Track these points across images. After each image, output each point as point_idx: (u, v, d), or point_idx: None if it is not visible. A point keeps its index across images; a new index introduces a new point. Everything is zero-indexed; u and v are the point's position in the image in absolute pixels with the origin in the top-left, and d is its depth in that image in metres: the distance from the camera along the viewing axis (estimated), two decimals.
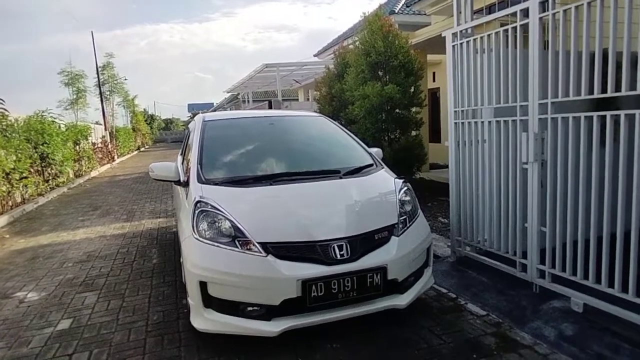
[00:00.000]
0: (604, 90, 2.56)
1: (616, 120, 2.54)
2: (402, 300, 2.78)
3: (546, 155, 3.03)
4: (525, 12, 3.05)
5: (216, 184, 3.05)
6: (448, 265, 4.01)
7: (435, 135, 11.22)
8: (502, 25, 3.33)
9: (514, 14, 3.15)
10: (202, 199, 2.84)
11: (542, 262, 3.15)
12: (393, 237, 2.82)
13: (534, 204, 3.16)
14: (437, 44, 8.56)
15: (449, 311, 3.12)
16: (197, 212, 2.77)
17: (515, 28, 3.17)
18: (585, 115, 2.70)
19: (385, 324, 2.92)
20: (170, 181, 3.56)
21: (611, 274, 2.63)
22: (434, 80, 11.81)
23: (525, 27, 3.10)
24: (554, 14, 2.83)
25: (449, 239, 4.53)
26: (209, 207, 2.77)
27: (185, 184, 3.31)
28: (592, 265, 2.75)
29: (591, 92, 2.64)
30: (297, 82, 17.64)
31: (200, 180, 3.10)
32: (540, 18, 2.94)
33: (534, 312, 2.97)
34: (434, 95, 11.84)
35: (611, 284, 2.64)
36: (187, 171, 3.46)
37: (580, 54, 2.69)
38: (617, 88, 2.49)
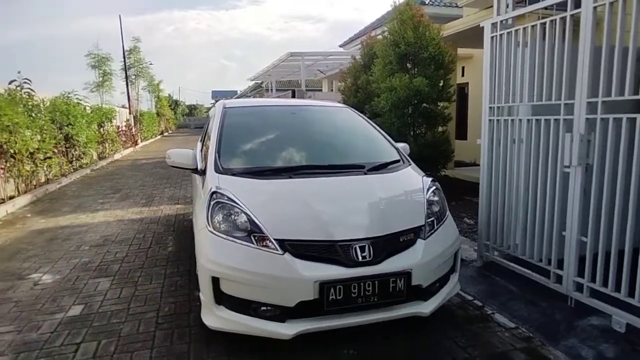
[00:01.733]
0: None
1: None
2: (425, 307, 2.59)
3: (592, 159, 2.77)
4: (577, 2, 2.78)
5: (234, 175, 2.90)
6: (474, 270, 3.79)
7: (462, 132, 10.86)
8: (545, 17, 3.06)
9: (564, 4, 2.88)
10: (218, 190, 2.69)
11: (580, 274, 2.91)
12: (419, 240, 2.62)
13: (575, 211, 2.91)
14: (468, 37, 8.23)
15: (475, 321, 2.92)
16: (212, 203, 2.63)
17: (563, 19, 2.90)
18: None
19: (406, 330, 2.74)
20: (187, 169, 3.43)
21: None
22: (462, 75, 11.43)
23: (575, 18, 2.84)
24: (611, 3, 2.56)
25: (475, 242, 4.31)
26: (225, 198, 2.63)
27: (203, 173, 3.18)
28: (639, 282, 2.50)
29: None
30: (321, 72, 17.40)
31: (217, 170, 2.96)
32: (595, 8, 2.67)
33: (569, 328, 2.74)
34: (462, 90, 11.46)
35: None
36: (205, 159, 3.33)
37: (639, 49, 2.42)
38: None
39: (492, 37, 3.56)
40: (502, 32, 3.46)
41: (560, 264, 3.07)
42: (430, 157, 6.48)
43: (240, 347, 2.56)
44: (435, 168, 6.92)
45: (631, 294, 2.55)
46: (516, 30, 3.32)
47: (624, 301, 2.60)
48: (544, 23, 3.05)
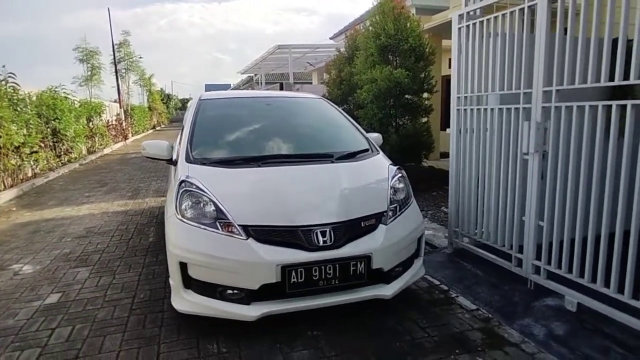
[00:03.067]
0: (611, 78, 2.39)
1: (622, 112, 2.38)
2: (387, 290, 2.70)
3: (548, 146, 2.88)
4: None
5: (203, 164, 2.99)
6: (444, 257, 3.90)
7: (449, 123, 10.94)
8: (513, 6, 3.15)
9: None
10: (187, 179, 2.78)
11: (539, 257, 3.03)
12: (381, 226, 2.72)
13: (533, 196, 3.02)
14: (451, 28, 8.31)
15: (439, 304, 3.03)
16: (181, 191, 2.72)
17: (522, 10, 2.99)
18: (590, 105, 2.53)
19: (370, 313, 2.85)
20: (162, 160, 3.50)
21: (607, 274, 2.51)
22: (449, 67, 11.49)
23: (533, 10, 2.92)
24: None
25: None
26: (194, 187, 2.71)
27: (176, 163, 3.26)
28: (588, 264, 2.62)
29: (598, 79, 2.47)
30: (310, 64, 17.41)
31: (188, 160, 3.04)
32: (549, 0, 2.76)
33: (526, 308, 2.87)
34: (449, 82, 11.52)
35: (607, 284, 2.52)
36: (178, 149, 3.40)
37: (588, 40, 2.51)
38: (626, 76, 2.32)
39: (459, 28, 3.65)
40: (468, 23, 3.54)
41: (521, 249, 3.19)
42: (410, 147, 6.58)
43: (210, 330, 2.66)
44: (418, 159, 7.02)
45: (581, 274, 2.68)
46: (481, 22, 3.41)
47: (576, 282, 2.72)
48: (506, 14, 3.13)
